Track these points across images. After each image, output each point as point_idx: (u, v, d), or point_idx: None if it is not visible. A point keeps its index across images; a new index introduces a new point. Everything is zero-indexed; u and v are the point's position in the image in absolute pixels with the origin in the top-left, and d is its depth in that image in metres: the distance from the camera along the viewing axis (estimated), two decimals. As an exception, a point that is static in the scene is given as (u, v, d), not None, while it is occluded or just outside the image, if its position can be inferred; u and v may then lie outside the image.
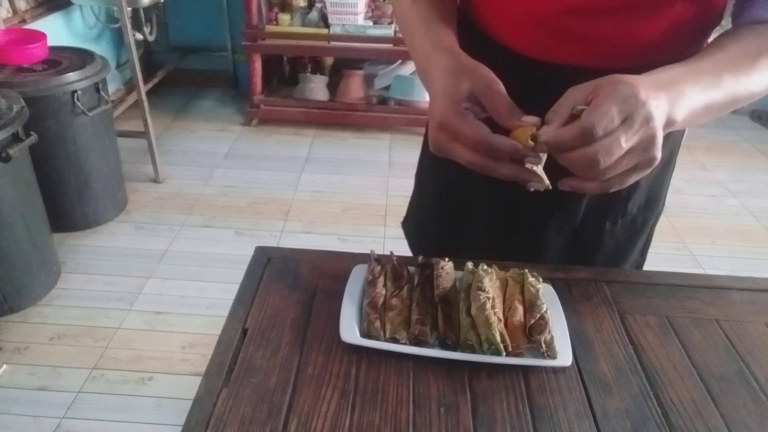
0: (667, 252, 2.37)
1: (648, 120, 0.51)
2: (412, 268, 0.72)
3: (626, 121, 0.50)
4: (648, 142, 0.52)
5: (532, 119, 0.55)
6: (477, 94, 0.57)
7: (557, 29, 0.68)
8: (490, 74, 0.58)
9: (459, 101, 0.56)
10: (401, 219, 1.06)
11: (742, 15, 0.65)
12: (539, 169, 0.56)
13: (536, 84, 0.71)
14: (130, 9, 2.48)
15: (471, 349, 0.62)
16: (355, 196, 2.67)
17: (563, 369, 0.62)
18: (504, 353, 0.61)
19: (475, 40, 0.73)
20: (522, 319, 0.65)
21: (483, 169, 0.56)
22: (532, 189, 0.57)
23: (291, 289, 0.72)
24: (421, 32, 0.67)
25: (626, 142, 0.50)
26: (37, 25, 2.50)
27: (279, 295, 0.71)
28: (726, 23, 0.70)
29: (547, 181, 0.56)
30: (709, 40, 0.75)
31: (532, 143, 0.54)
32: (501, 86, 0.57)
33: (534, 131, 0.55)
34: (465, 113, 0.56)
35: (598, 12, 0.65)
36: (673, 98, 0.54)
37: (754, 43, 0.61)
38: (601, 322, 0.70)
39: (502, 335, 0.62)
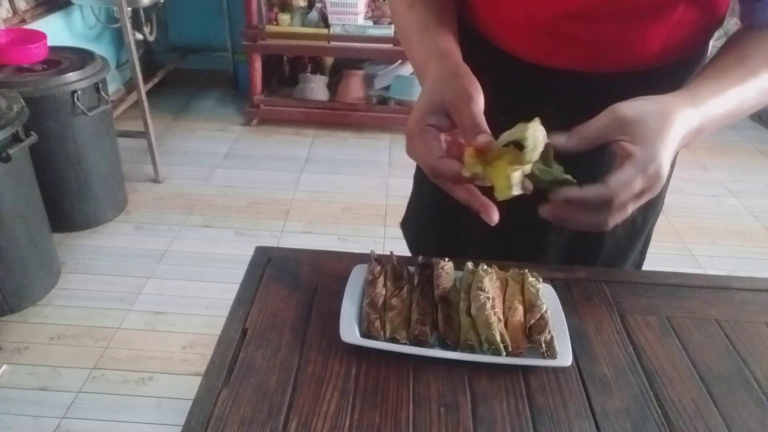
0: (667, 252, 2.37)
1: (659, 184, 0.53)
2: (412, 268, 0.72)
3: (642, 194, 0.52)
4: (648, 200, 0.54)
5: (485, 138, 0.54)
6: (448, 108, 0.56)
7: (557, 34, 0.67)
8: (470, 86, 0.56)
9: (424, 115, 0.57)
10: (401, 219, 1.06)
11: (753, 17, 0.64)
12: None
13: (536, 89, 0.71)
14: (130, 9, 2.48)
15: (471, 349, 0.62)
16: (355, 196, 2.67)
17: (563, 369, 0.62)
18: (504, 353, 0.61)
19: (475, 45, 0.72)
20: (522, 319, 0.65)
21: (442, 187, 0.57)
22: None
23: (291, 289, 0.72)
24: (417, 40, 0.66)
25: (633, 208, 0.53)
26: (37, 25, 2.50)
27: (279, 295, 0.71)
28: (728, 26, 0.70)
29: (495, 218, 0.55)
30: (711, 41, 0.75)
31: (467, 174, 0.53)
32: (474, 102, 0.55)
33: (471, 152, 0.54)
34: (425, 130, 0.57)
35: (598, 17, 0.65)
36: (697, 132, 0.55)
37: None
38: (601, 322, 0.70)
39: (502, 335, 0.62)
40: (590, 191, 0.51)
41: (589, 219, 0.53)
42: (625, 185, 0.51)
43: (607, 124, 0.53)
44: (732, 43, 0.64)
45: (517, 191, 0.51)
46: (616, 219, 0.53)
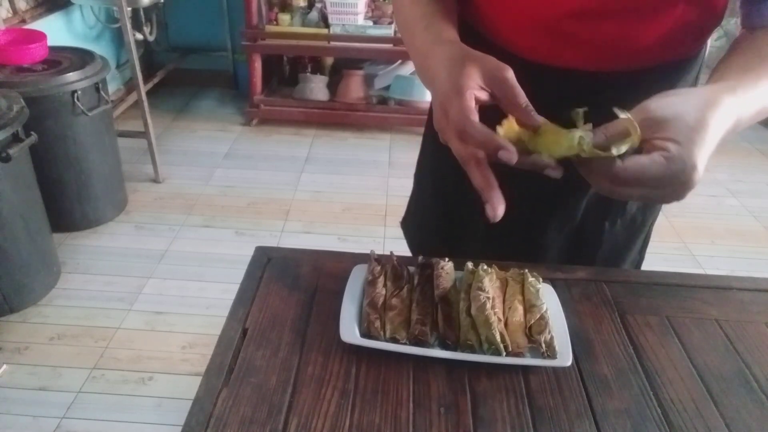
0: (667, 252, 2.36)
1: (688, 189, 0.50)
2: (412, 268, 0.72)
3: (660, 186, 0.50)
4: (673, 197, 0.52)
5: (541, 119, 0.53)
6: (489, 80, 0.54)
7: (559, 33, 0.68)
8: (501, 63, 0.55)
9: (465, 82, 0.53)
10: (401, 218, 1.06)
11: (757, 19, 0.64)
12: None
13: (538, 87, 0.71)
14: (130, 9, 2.48)
15: (471, 349, 0.62)
16: (355, 196, 2.67)
17: (563, 369, 0.62)
18: (504, 353, 0.61)
19: (476, 44, 0.72)
20: (522, 319, 0.65)
21: (461, 162, 0.54)
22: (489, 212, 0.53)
23: (291, 289, 0.72)
24: (421, 27, 0.65)
25: (650, 195, 0.51)
26: (37, 25, 2.49)
27: (279, 295, 0.71)
28: (727, 25, 0.70)
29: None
30: (710, 41, 0.75)
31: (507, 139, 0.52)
32: (513, 74, 0.54)
33: (515, 128, 0.53)
34: (466, 94, 0.53)
35: (599, 16, 0.65)
36: (736, 124, 0.53)
37: None
38: (601, 322, 0.70)
39: (502, 335, 0.62)
40: (605, 162, 0.50)
41: (589, 177, 0.52)
42: (641, 174, 0.49)
43: (639, 124, 0.50)
44: (740, 47, 0.63)
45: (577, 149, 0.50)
46: (620, 195, 0.52)
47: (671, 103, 0.51)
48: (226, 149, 3.01)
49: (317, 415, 0.56)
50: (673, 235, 2.48)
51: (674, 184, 0.50)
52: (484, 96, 0.54)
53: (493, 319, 0.62)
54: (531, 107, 0.53)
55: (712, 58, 0.64)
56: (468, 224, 0.89)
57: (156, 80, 3.20)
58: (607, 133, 0.52)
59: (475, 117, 0.52)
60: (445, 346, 0.63)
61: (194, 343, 1.83)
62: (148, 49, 3.43)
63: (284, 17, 3.06)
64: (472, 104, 0.53)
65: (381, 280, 0.69)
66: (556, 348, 0.62)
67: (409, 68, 3.20)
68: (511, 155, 0.50)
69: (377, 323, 0.64)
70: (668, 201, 0.53)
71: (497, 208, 0.52)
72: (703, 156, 0.49)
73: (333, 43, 3.02)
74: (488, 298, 0.64)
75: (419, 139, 0.96)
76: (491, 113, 0.55)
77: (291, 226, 2.44)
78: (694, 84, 0.77)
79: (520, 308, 0.66)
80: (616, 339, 0.67)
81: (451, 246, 0.90)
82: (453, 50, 0.58)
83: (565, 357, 0.62)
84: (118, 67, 3.26)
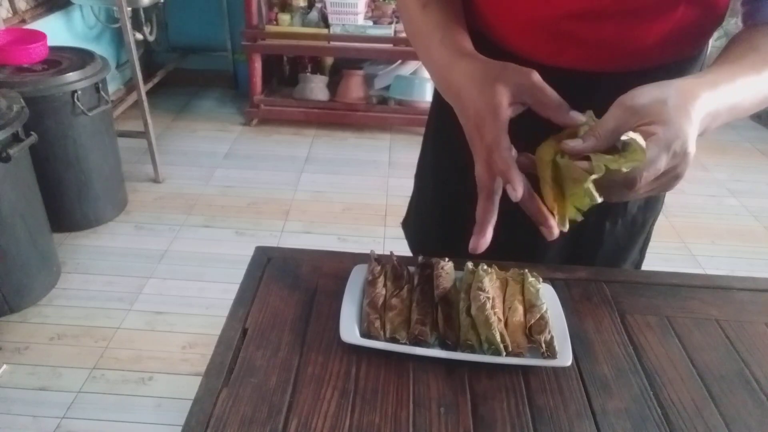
0: (667, 252, 2.36)
1: (687, 161, 0.51)
2: (412, 268, 0.72)
3: (668, 172, 0.51)
4: (675, 180, 0.53)
5: (580, 117, 0.55)
6: (518, 91, 0.55)
7: (559, 33, 0.67)
8: (523, 68, 0.57)
9: (499, 101, 0.54)
10: (401, 219, 1.06)
11: (756, 16, 0.64)
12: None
13: None
14: (130, 9, 2.48)
15: (471, 349, 0.62)
16: (355, 196, 2.67)
17: (563, 369, 0.62)
18: (504, 353, 0.61)
19: (477, 45, 0.72)
20: (522, 319, 0.65)
21: (478, 186, 0.56)
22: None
23: (291, 289, 0.72)
24: (437, 39, 0.65)
25: (656, 184, 0.52)
26: (37, 25, 2.49)
27: (279, 295, 0.71)
28: (728, 26, 0.70)
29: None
30: (711, 41, 0.75)
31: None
32: (538, 76, 0.56)
33: (555, 151, 0.55)
34: (499, 116, 0.54)
35: (600, 16, 0.65)
36: (713, 117, 0.54)
37: None
38: (601, 322, 0.70)
39: (502, 335, 0.62)
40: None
41: (609, 194, 0.53)
42: (650, 169, 0.50)
43: (621, 116, 0.52)
44: (738, 40, 0.64)
45: (599, 198, 0.51)
46: (638, 196, 0.53)
47: (648, 91, 0.52)
48: (226, 149, 3.01)
49: (317, 415, 0.56)
50: (673, 235, 2.48)
51: (673, 162, 0.51)
52: (518, 110, 0.56)
53: (493, 319, 0.62)
54: (566, 105, 0.55)
55: (713, 59, 0.64)
56: (469, 224, 0.89)
57: (156, 80, 3.20)
58: (598, 134, 0.53)
59: (507, 141, 0.54)
60: (445, 346, 0.63)
61: (194, 343, 1.83)
62: (148, 49, 3.43)
63: (284, 17, 3.07)
64: (506, 126, 0.55)
65: (381, 280, 0.69)
66: (556, 348, 0.62)
67: (409, 68, 3.20)
68: (515, 194, 0.53)
69: (377, 323, 0.64)
70: (673, 184, 0.54)
71: (480, 242, 0.56)
72: (691, 132, 0.50)
73: (333, 43, 3.02)
74: (488, 298, 0.64)
75: (419, 139, 0.96)
76: (524, 128, 0.56)
77: (291, 226, 2.44)
78: None
79: (520, 308, 0.66)
80: (616, 339, 0.67)
81: (452, 246, 0.89)
82: (476, 65, 0.59)
83: (565, 357, 0.62)
84: (118, 67, 3.26)
